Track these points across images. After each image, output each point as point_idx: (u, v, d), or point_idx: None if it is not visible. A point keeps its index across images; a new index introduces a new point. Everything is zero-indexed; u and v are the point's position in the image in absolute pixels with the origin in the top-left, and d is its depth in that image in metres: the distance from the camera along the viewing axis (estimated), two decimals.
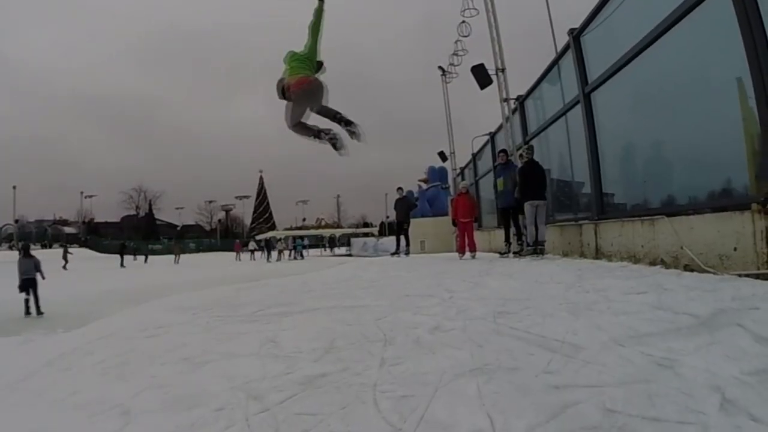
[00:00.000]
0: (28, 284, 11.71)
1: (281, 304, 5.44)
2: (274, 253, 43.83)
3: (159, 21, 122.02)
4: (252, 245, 49.31)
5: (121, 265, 36.41)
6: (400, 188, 17.17)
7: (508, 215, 11.53)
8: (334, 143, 7.15)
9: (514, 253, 11.17)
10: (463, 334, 3.30)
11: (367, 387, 2.46)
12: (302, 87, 6.92)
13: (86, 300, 12.86)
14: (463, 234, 13.22)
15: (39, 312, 11.48)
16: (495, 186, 12.94)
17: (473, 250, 13.02)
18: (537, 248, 9.71)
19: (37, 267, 12.23)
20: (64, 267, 32.83)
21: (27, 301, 11.52)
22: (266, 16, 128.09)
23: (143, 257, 49.05)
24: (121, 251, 39.20)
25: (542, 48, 20.16)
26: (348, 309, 4.76)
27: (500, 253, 12.04)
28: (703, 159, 6.05)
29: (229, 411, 2.36)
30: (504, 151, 12.09)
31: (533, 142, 12.33)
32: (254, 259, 44.29)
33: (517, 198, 10.65)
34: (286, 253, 45.62)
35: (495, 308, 4.02)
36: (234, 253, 49.36)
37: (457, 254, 13.52)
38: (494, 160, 16.80)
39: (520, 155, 10.61)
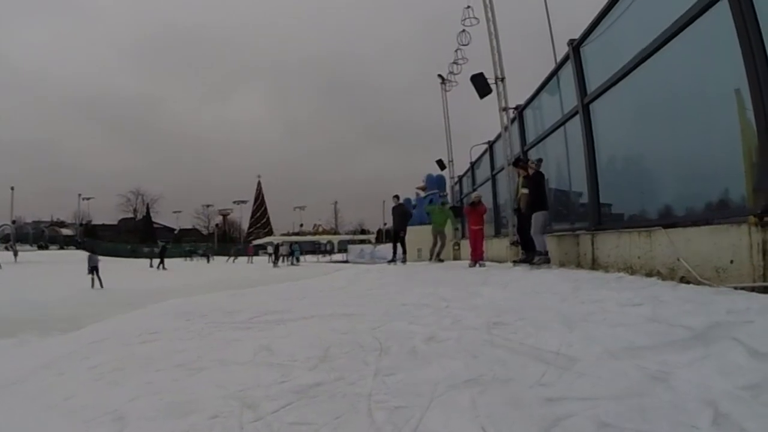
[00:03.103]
0: (94, 269, 19.02)
1: (276, 311, 5.44)
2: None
3: (159, 23, 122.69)
4: (270, 249, 51.98)
5: (162, 267, 36.95)
6: (396, 196, 17.20)
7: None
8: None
9: (517, 262, 11.15)
10: (458, 344, 3.31)
11: (362, 397, 2.47)
12: None
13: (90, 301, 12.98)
14: (474, 241, 13.25)
15: (101, 286, 18.39)
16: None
17: (480, 258, 13.03)
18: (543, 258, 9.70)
19: (98, 260, 19.63)
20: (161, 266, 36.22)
21: (92, 279, 18.70)
22: (266, 19, 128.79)
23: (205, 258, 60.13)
24: (162, 254, 40.02)
25: (542, 58, 20.31)
26: (343, 317, 4.76)
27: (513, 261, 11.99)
28: (701, 170, 6.06)
29: (223, 419, 2.35)
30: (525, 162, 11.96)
31: (532, 152, 12.37)
32: (271, 262, 45.00)
33: (520, 208, 10.66)
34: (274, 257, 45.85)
35: (490, 319, 4.02)
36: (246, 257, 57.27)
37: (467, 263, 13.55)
38: (493, 170, 16.86)
39: (524, 165, 10.59)
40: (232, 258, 57.58)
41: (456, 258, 20.61)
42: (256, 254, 59.66)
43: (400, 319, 4.44)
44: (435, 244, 16.48)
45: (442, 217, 16.72)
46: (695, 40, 5.67)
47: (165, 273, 32.12)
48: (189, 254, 63.21)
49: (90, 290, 17.41)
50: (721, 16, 5.03)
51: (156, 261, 39.21)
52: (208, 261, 56.83)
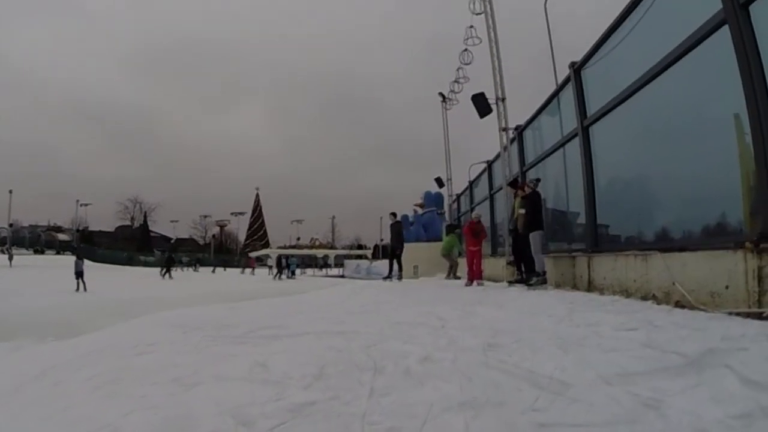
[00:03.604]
0: (79, 274, 21.16)
1: (272, 326, 5.43)
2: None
3: (161, 32, 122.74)
4: (270, 261, 55.34)
5: (169, 276, 36.60)
6: (393, 213, 17.38)
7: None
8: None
9: (513, 282, 11.17)
10: (453, 366, 3.30)
11: (356, 417, 2.47)
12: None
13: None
14: (471, 261, 13.27)
15: (85, 289, 20.50)
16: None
17: (479, 278, 13.04)
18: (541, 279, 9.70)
19: (82, 265, 21.63)
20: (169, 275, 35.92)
21: (78, 282, 20.91)
22: (270, 34, 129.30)
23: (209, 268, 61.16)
24: (168, 263, 39.49)
25: (543, 78, 20.44)
26: (339, 334, 4.75)
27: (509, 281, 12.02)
28: (699, 194, 6.10)
29: None
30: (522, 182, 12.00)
31: (531, 172, 12.42)
32: (271, 274, 45.35)
33: (515, 227, 10.68)
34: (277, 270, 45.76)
35: (486, 340, 4.01)
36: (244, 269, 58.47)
37: (463, 282, 13.60)
38: (491, 189, 16.93)
39: (521, 185, 10.64)
40: (243, 269, 58.62)
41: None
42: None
43: (396, 338, 4.44)
44: (450, 267, 17.98)
45: (448, 242, 18.08)
46: (696, 65, 5.73)
47: (168, 282, 31.94)
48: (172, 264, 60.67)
49: (87, 297, 17.84)
50: (722, 41, 5.08)
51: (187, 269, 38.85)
52: (214, 271, 56.93)
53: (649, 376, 2.81)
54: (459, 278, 15.85)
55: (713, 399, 2.42)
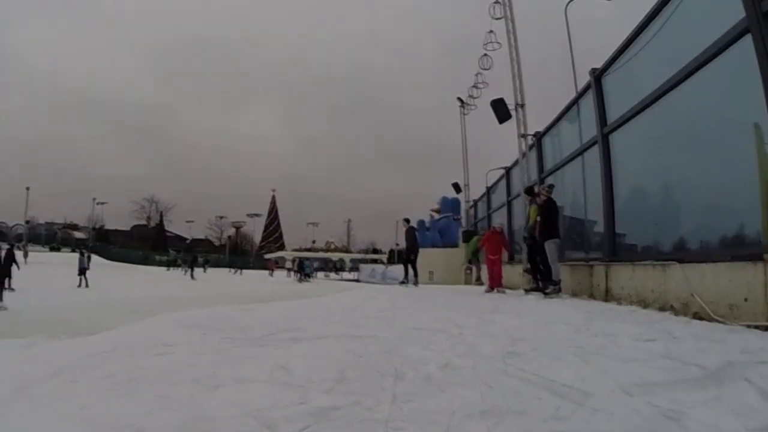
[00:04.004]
0: (83, 270, 22.31)
1: (290, 329, 5.45)
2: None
3: (179, 32, 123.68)
4: (289, 264, 55.48)
5: (191, 275, 36.92)
6: (406, 219, 17.49)
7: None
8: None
9: (529, 290, 11.17)
10: (473, 373, 3.32)
11: (379, 423, 2.47)
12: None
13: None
14: (491, 270, 13.31)
15: (87, 285, 21.25)
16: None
17: (499, 285, 13.07)
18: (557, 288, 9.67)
19: (86, 263, 23.21)
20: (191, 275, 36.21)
21: (80, 279, 21.83)
22: (287, 34, 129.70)
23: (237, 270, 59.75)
24: (192, 263, 39.90)
25: (562, 84, 20.39)
26: (357, 339, 4.78)
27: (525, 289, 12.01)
28: (719, 205, 6.07)
29: None
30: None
31: (549, 179, 12.39)
32: (290, 277, 46.30)
33: (533, 236, 10.65)
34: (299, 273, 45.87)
35: (504, 348, 4.04)
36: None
37: (483, 288, 13.72)
38: (509, 195, 16.92)
39: (537, 193, 10.60)
40: (270, 272, 57.81)
41: (467, 282, 20.68)
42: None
43: (414, 343, 4.46)
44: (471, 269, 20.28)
45: (473, 244, 19.57)
46: (717, 74, 5.71)
47: (182, 282, 31.95)
48: (173, 263, 56.64)
49: (95, 295, 17.56)
50: (744, 50, 5.06)
51: (196, 269, 38.99)
52: (235, 273, 56.47)
53: (669, 388, 2.82)
54: (483, 284, 15.94)
55: (733, 412, 2.43)
